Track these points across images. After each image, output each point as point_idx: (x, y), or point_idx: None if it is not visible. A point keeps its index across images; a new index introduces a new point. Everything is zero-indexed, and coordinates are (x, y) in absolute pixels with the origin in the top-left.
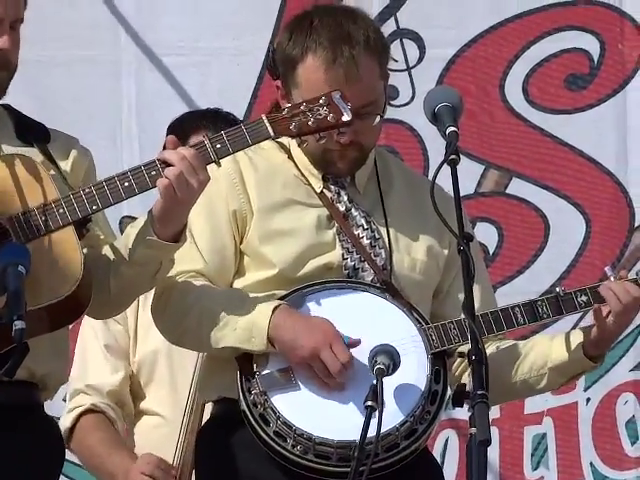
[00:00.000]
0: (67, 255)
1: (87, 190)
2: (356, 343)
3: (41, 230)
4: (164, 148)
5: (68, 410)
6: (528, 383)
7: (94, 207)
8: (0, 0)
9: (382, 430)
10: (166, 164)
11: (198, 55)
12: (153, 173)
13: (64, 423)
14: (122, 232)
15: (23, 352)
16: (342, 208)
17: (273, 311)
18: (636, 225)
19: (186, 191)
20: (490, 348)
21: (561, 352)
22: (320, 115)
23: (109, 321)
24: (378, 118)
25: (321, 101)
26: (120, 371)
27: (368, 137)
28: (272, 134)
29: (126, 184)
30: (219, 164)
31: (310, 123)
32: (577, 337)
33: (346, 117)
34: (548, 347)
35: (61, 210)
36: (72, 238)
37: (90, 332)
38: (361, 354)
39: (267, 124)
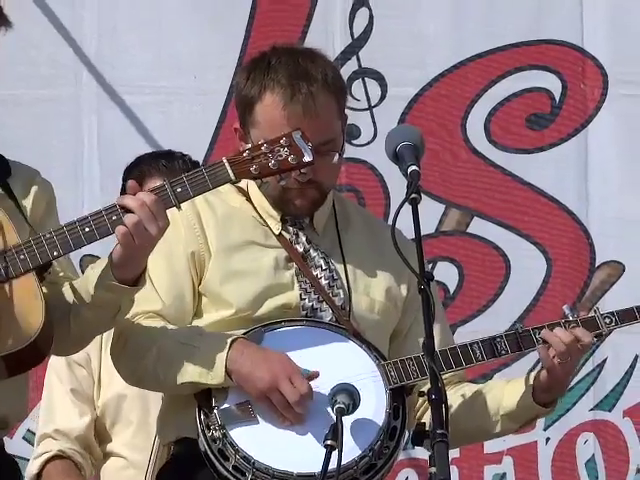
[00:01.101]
0: (28, 303)
1: (48, 235)
2: (315, 375)
3: (1, 277)
4: (122, 191)
5: (36, 456)
6: (483, 429)
7: (55, 253)
8: None
9: (341, 464)
10: (126, 209)
11: (160, 94)
12: (114, 218)
13: (31, 469)
14: (83, 271)
15: None
16: (300, 249)
17: (231, 344)
18: (597, 265)
19: (145, 238)
20: (448, 392)
21: (512, 399)
22: (281, 156)
23: (73, 365)
24: (337, 156)
25: (282, 142)
26: (86, 415)
27: (327, 175)
28: (233, 177)
29: (87, 229)
30: (179, 208)
31: (271, 165)
32: (528, 382)
33: (307, 158)
34: (500, 393)
35: (22, 256)
36: (33, 285)
37: (55, 378)
38: (320, 388)
39: (228, 167)
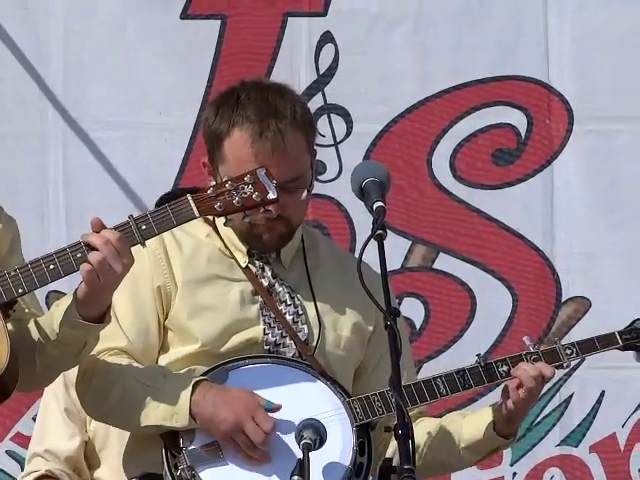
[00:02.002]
0: None
1: (13, 273)
2: (278, 408)
3: None
4: None
5: (24, 474)
6: (444, 462)
7: (20, 290)
8: None
9: None
10: (90, 247)
11: (125, 129)
12: (79, 255)
13: None
14: (49, 307)
15: None
16: (266, 283)
17: (194, 387)
18: (563, 300)
19: (109, 275)
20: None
21: (473, 431)
22: (245, 194)
23: (70, 386)
24: (305, 193)
25: (246, 179)
26: (77, 436)
27: (295, 212)
28: (197, 214)
29: (51, 267)
30: (144, 245)
31: (235, 202)
32: (487, 414)
33: (272, 195)
34: (460, 426)
35: None
36: None
37: (52, 396)
38: (286, 426)
39: (192, 204)
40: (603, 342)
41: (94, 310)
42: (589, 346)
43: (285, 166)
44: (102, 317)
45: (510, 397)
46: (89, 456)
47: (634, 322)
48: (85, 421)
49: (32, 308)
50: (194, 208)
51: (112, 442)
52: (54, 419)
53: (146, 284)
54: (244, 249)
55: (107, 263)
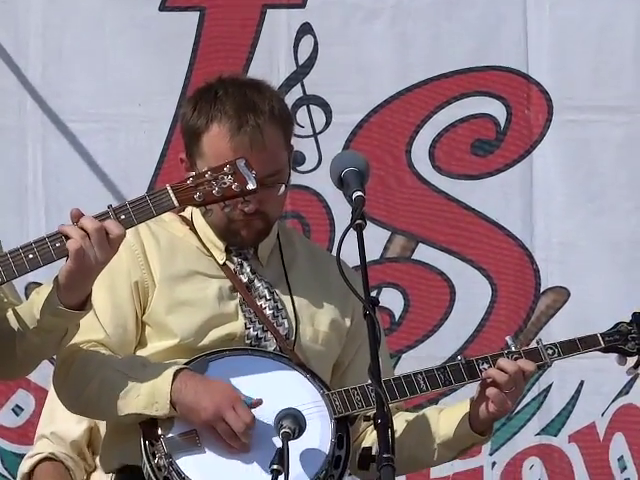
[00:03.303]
0: None
1: None
2: (258, 403)
3: None
4: None
5: (29, 455)
6: (418, 459)
7: None
8: None
9: None
10: (67, 237)
11: (104, 121)
12: (58, 245)
13: (22, 468)
14: (28, 298)
15: None
16: (245, 279)
17: (174, 375)
18: (542, 290)
19: (90, 262)
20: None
21: (448, 428)
22: (225, 184)
23: None
24: (283, 188)
25: (226, 169)
26: (84, 422)
27: (273, 207)
28: (176, 204)
29: (30, 256)
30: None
31: (215, 192)
32: (463, 411)
33: (251, 185)
34: (435, 421)
35: None
36: None
37: None
38: (265, 416)
39: (171, 194)
40: (585, 343)
41: (75, 297)
42: (571, 347)
43: (263, 161)
44: (82, 305)
45: (490, 396)
46: (93, 442)
47: (617, 325)
48: None
49: (10, 297)
50: (173, 198)
51: None
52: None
53: (123, 279)
54: (222, 246)
55: (83, 251)
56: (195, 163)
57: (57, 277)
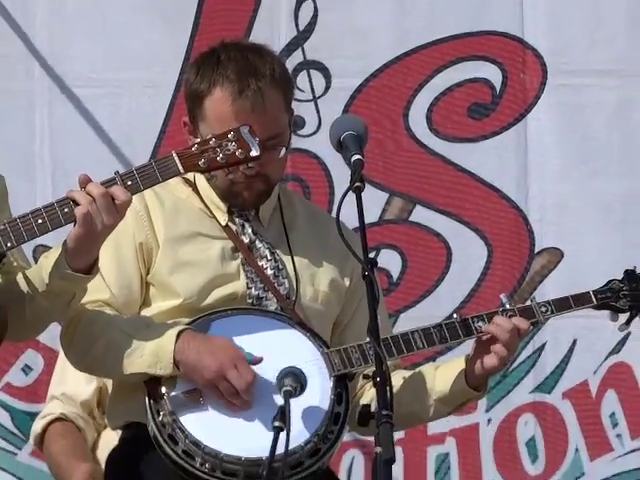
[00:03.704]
0: None
1: (1, 227)
2: (259, 361)
3: None
4: None
5: (41, 416)
6: (416, 414)
7: (8, 244)
8: None
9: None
10: (76, 202)
11: (108, 86)
12: (66, 210)
13: (35, 429)
14: (36, 260)
15: None
16: (246, 240)
17: (178, 335)
18: (536, 251)
19: (97, 226)
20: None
21: (445, 384)
22: (229, 150)
23: None
24: (283, 150)
25: (229, 136)
26: (93, 382)
27: (274, 169)
28: (182, 170)
29: (39, 221)
30: (130, 200)
31: (219, 158)
32: (459, 367)
33: (254, 152)
34: (432, 378)
35: None
36: None
37: None
38: (266, 374)
39: (177, 160)
40: (578, 301)
41: (82, 262)
42: (564, 304)
43: (265, 124)
44: (90, 269)
45: (485, 352)
46: (103, 402)
47: (610, 282)
48: None
49: (20, 261)
50: (179, 164)
51: None
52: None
53: (128, 241)
54: (224, 207)
55: (91, 216)
56: (198, 126)
57: (65, 242)
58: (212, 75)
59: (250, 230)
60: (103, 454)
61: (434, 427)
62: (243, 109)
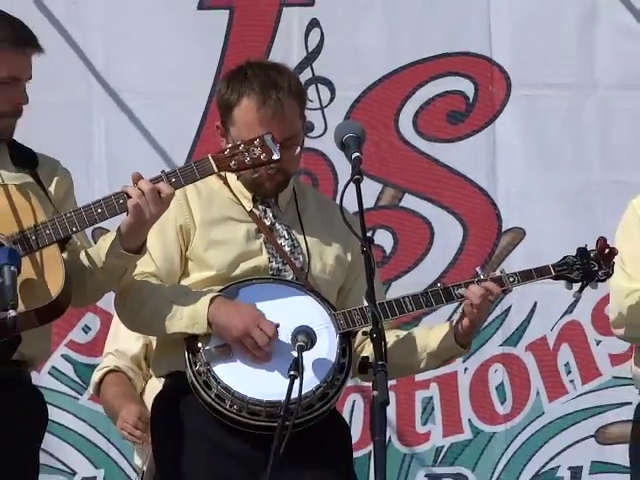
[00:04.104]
0: (52, 268)
1: (69, 215)
2: (276, 326)
3: (32, 247)
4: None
5: (98, 368)
6: (410, 365)
7: (74, 229)
8: (25, 67)
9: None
10: (129, 195)
11: (154, 98)
12: (121, 201)
13: (94, 379)
14: (95, 240)
15: (15, 339)
16: (268, 223)
17: (211, 301)
18: (503, 230)
19: (145, 215)
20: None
21: (436, 341)
22: (255, 154)
23: None
24: (298, 149)
25: (255, 142)
26: (141, 339)
27: (290, 164)
28: (216, 170)
29: (99, 210)
30: (173, 194)
31: (247, 161)
32: (449, 328)
33: (276, 156)
34: (426, 336)
35: (47, 231)
36: (56, 254)
37: None
38: (284, 333)
39: (212, 162)
40: (539, 272)
41: (133, 243)
42: (528, 275)
43: (283, 128)
44: (139, 249)
45: (466, 313)
46: (149, 355)
47: (565, 257)
48: None
49: (83, 242)
50: (213, 165)
51: None
52: (123, 325)
53: (171, 224)
54: (250, 196)
55: (140, 207)
56: (228, 130)
57: (119, 227)
58: (240, 88)
59: (271, 215)
60: (149, 399)
61: (420, 375)
62: (266, 116)
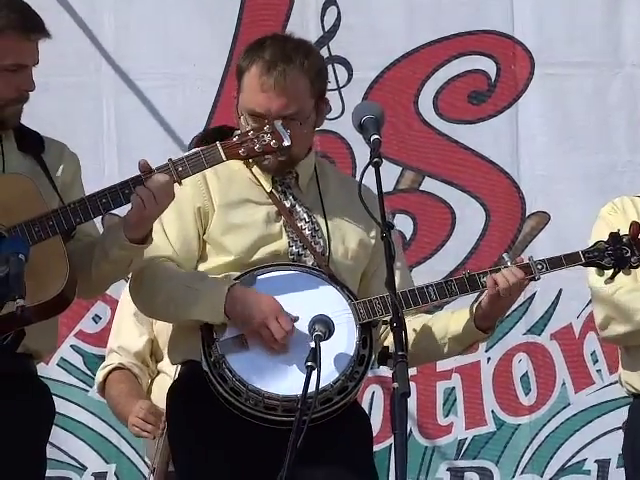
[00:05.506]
0: (55, 261)
1: (72, 206)
2: (295, 320)
3: (34, 239)
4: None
5: (102, 367)
6: (433, 351)
7: (77, 220)
8: (31, 53)
9: (319, 387)
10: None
11: (165, 79)
12: (126, 192)
13: (97, 378)
14: (104, 225)
15: (19, 333)
16: (288, 205)
17: (228, 290)
18: (527, 215)
19: (151, 208)
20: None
21: (458, 325)
22: (265, 141)
23: None
24: (301, 126)
25: (265, 129)
26: (145, 335)
27: (296, 144)
28: (224, 158)
29: (104, 201)
30: (180, 184)
31: (256, 148)
32: (471, 312)
33: (286, 142)
34: (447, 321)
35: (51, 223)
36: (59, 246)
37: (125, 304)
38: (302, 324)
39: (220, 150)
40: (569, 259)
41: (138, 234)
42: (557, 262)
43: (282, 101)
44: (144, 240)
45: (491, 298)
46: (154, 351)
47: (596, 243)
48: (151, 322)
49: (90, 231)
50: (222, 153)
51: None
52: (126, 321)
53: (188, 206)
54: (269, 177)
55: (143, 205)
56: (238, 97)
57: (124, 218)
58: (253, 55)
59: (291, 196)
60: (156, 396)
61: (442, 365)
62: (267, 84)
